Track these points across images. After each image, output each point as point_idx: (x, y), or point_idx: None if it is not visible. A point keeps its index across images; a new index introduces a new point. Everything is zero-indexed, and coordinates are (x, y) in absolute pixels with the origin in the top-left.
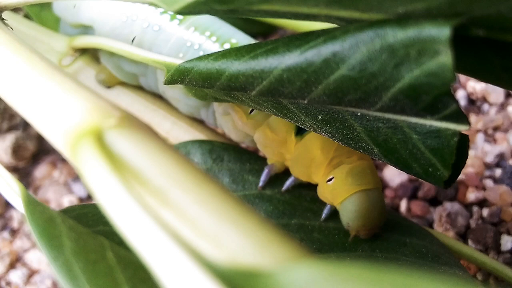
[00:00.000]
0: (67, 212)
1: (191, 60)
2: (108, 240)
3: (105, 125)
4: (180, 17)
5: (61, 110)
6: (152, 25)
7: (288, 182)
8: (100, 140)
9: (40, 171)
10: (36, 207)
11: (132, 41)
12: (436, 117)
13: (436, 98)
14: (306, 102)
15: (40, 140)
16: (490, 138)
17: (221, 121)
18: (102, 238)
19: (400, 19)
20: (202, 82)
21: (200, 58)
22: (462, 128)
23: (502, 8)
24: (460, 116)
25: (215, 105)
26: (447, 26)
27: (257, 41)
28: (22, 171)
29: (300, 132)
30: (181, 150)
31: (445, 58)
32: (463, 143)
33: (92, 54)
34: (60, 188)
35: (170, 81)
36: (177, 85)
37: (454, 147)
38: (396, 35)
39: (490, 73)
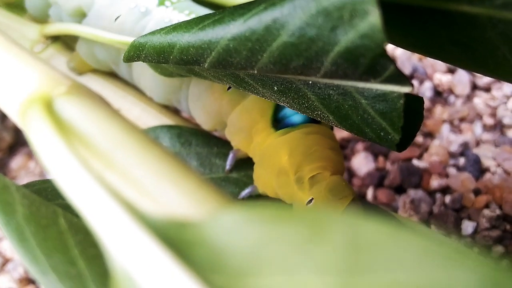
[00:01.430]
0: (28, 186)
1: (145, 35)
2: (63, 210)
3: (54, 93)
4: (168, 3)
5: (13, 79)
6: (139, 7)
7: (230, 159)
8: (49, 107)
9: (16, 162)
10: None
11: (116, 19)
12: (379, 80)
13: (373, 60)
14: (256, 71)
15: (16, 132)
16: (456, 129)
17: (194, 108)
18: (56, 207)
19: None
20: (157, 56)
21: (153, 33)
22: (405, 89)
23: None
24: (401, 78)
25: (189, 92)
26: None
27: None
28: None
29: (277, 123)
30: (150, 135)
31: (374, 18)
32: (418, 105)
33: (63, 41)
34: (35, 178)
35: (127, 58)
36: (148, 73)
37: (401, 109)
38: None
39: (438, 47)
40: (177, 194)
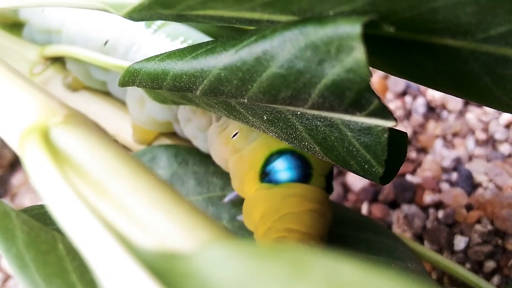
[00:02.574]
0: (26, 211)
1: (140, 61)
2: (60, 234)
3: (51, 122)
4: (155, 26)
5: (12, 109)
6: (128, 29)
7: (229, 196)
8: (45, 136)
9: (17, 178)
10: None
11: (105, 44)
12: (364, 113)
13: (358, 94)
14: (246, 100)
15: None
16: (449, 144)
17: (210, 150)
18: (55, 232)
19: (321, 17)
20: (151, 82)
21: (148, 59)
22: (389, 124)
23: (423, 10)
24: (385, 112)
25: (208, 137)
26: (358, 23)
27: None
28: (0, 179)
29: (263, 176)
30: (147, 155)
31: (359, 54)
32: (402, 139)
33: (63, 62)
34: (36, 195)
35: (122, 83)
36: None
37: (385, 143)
38: (317, 32)
39: (426, 76)
40: (168, 224)
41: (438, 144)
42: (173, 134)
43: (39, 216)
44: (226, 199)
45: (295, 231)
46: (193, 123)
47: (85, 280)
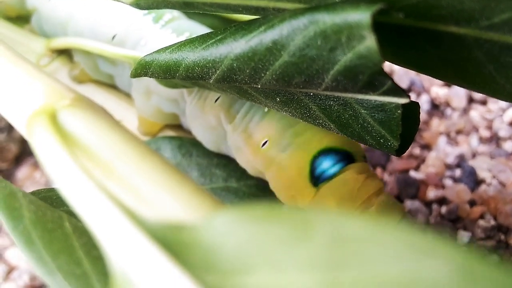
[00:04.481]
0: (33, 194)
1: (151, 53)
2: (67, 214)
3: (58, 105)
4: (162, 22)
5: (21, 93)
6: (135, 24)
7: None
8: (53, 119)
9: (22, 172)
10: None
11: (113, 38)
12: (377, 93)
13: (371, 77)
14: (259, 86)
15: (23, 143)
16: (452, 141)
17: (237, 158)
18: (61, 212)
19: (328, 5)
20: (163, 74)
21: (159, 51)
22: (402, 101)
23: None
24: (397, 91)
25: (231, 144)
26: (368, 12)
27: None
28: (5, 173)
29: (315, 181)
30: (151, 146)
31: (370, 42)
32: (414, 112)
33: (69, 54)
34: (41, 188)
35: (134, 75)
36: (198, 123)
37: (399, 118)
38: (325, 21)
39: (430, 65)
40: (172, 200)
41: (442, 141)
42: (178, 126)
43: (46, 199)
44: None
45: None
46: (200, 121)
47: (92, 256)
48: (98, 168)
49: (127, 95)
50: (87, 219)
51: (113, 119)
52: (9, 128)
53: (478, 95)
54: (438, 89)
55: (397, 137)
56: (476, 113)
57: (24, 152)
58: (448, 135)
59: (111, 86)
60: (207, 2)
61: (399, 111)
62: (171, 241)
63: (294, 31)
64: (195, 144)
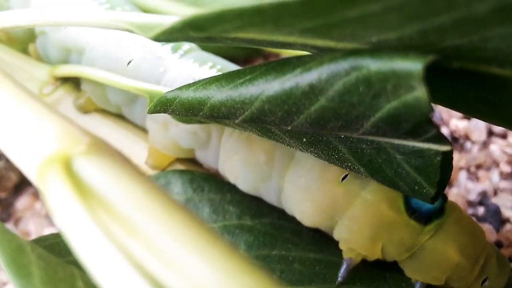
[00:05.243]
0: (39, 241)
1: (173, 90)
2: (79, 269)
3: (73, 152)
4: (181, 51)
5: (31, 136)
6: (153, 52)
7: (343, 270)
8: (68, 167)
9: (22, 202)
10: (4, 235)
11: (128, 64)
12: (418, 139)
13: (416, 125)
14: (289, 128)
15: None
16: (473, 176)
17: (297, 200)
18: (73, 267)
19: (373, 50)
20: (185, 112)
21: (180, 89)
22: (444, 148)
23: (473, 39)
24: (441, 138)
25: (290, 182)
26: (420, 63)
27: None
28: (4, 202)
29: (417, 215)
30: (161, 180)
31: (420, 93)
32: (447, 158)
33: (73, 82)
34: (41, 220)
35: (153, 111)
36: (236, 159)
37: (438, 165)
38: (370, 68)
39: (467, 105)
40: (208, 270)
41: (463, 176)
42: (188, 160)
43: (53, 247)
44: (340, 278)
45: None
46: (242, 156)
47: None
48: (117, 225)
49: (135, 126)
50: (105, 286)
51: (132, 166)
52: None
53: (498, 128)
54: (457, 122)
55: (434, 184)
56: (496, 146)
57: (24, 181)
58: (468, 170)
59: (116, 115)
60: (230, 36)
61: (438, 158)
62: None
63: (334, 76)
64: (207, 179)
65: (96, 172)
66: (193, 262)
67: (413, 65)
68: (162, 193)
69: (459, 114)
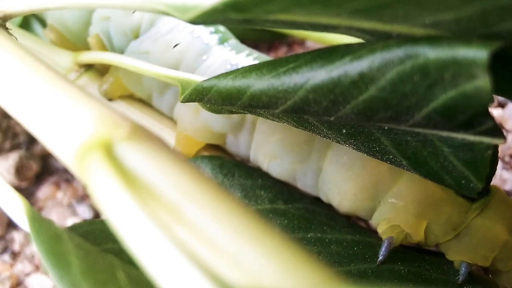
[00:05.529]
0: (73, 229)
1: (210, 79)
2: (118, 258)
3: (114, 137)
4: (227, 44)
5: (67, 121)
6: (202, 38)
7: (384, 249)
8: (109, 153)
9: (44, 191)
10: (41, 224)
11: (174, 46)
12: (470, 132)
13: (473, 117)
14: (332, 119)
15: (44, 160)
16: (508, 166)
17: (340, 180)
18: (112, 256)
19: (431, 38)
20: (222, 101)
21: (218, 77)
22: (497, 141)
23: None
24: (496, 131)
25: (332, 161)
26: (485, 50)
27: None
28: (25, 192)
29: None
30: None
31: (483, 82)
32: (495, 152)
33: (97, 69)
34: (63, 209)
35: (187, 100)
36: (274, 139)
37: (488, 159)
38: (427, 56)
39: None
40: (261, 258)
41: (498, 166)
42: (215, 147)
43: (88, 234)
44: (381, 257)
45: None
46: (281, 136)
47: None
48: (165, 213)
49: (161, 114)
50: (157, 277)
51: (176, 154)
52: (29, 144)
53: None
54: (491, 110)
55: (483, 179)
56: None
57: (45, 170)
58: (502, 159)
59: (141, 102)
60: (270, 19)
61: (489, 152)
62: None
63: (387, 64)
64: (236, 165)
65: (140, 158)
66: (247, 252)
67: (477, 53)
68: (208, 180)
69: (493, 103)
